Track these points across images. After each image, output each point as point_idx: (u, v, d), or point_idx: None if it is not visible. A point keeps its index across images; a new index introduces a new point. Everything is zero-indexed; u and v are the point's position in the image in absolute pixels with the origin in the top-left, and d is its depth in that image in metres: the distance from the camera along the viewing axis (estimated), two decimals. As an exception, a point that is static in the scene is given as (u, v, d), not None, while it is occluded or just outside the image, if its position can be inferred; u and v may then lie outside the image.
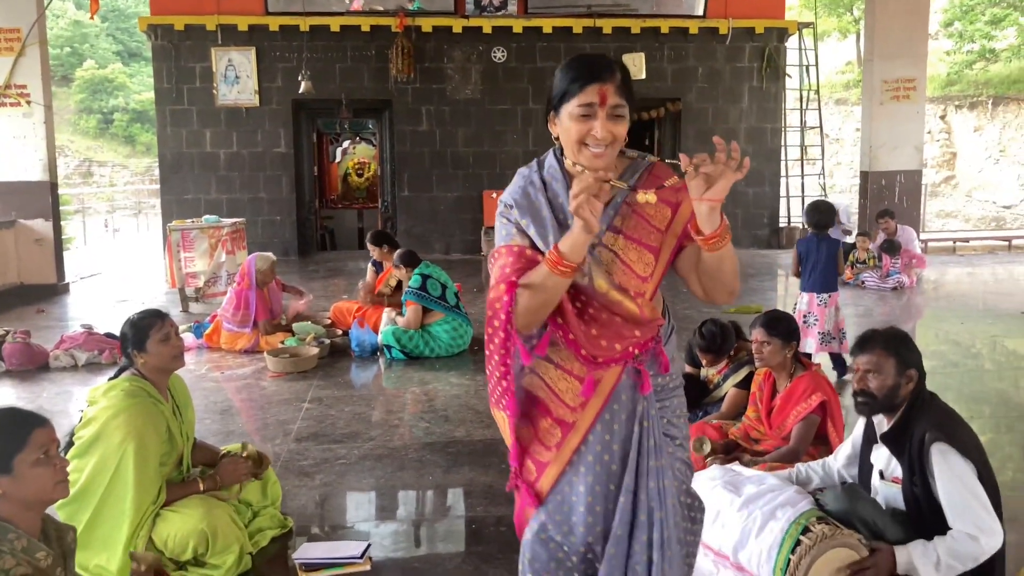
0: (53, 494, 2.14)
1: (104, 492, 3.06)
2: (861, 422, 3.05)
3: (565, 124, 2.00)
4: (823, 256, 5.73)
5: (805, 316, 5.76)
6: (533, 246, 2.02)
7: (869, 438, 2.98)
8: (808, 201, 14.55)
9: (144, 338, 3.19)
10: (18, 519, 2.09)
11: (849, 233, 11.29)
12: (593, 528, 2.07)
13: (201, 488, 3.24)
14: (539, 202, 2.07)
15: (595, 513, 2.06)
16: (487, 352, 2.01)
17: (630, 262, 2.02)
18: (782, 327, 3.86)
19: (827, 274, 5.75)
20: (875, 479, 2.92)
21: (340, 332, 7.10)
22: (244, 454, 3.43)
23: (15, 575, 1.99)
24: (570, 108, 1.97)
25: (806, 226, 5.90)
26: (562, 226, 2.01)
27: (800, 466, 3.27)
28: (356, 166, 15.90)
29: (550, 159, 2.13)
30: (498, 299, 1.95)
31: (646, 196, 1.91)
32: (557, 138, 2.07)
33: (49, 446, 2.14)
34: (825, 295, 5.75)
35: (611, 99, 1.95)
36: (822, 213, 5.90)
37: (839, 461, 3.16)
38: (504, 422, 2.11)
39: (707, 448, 3.91)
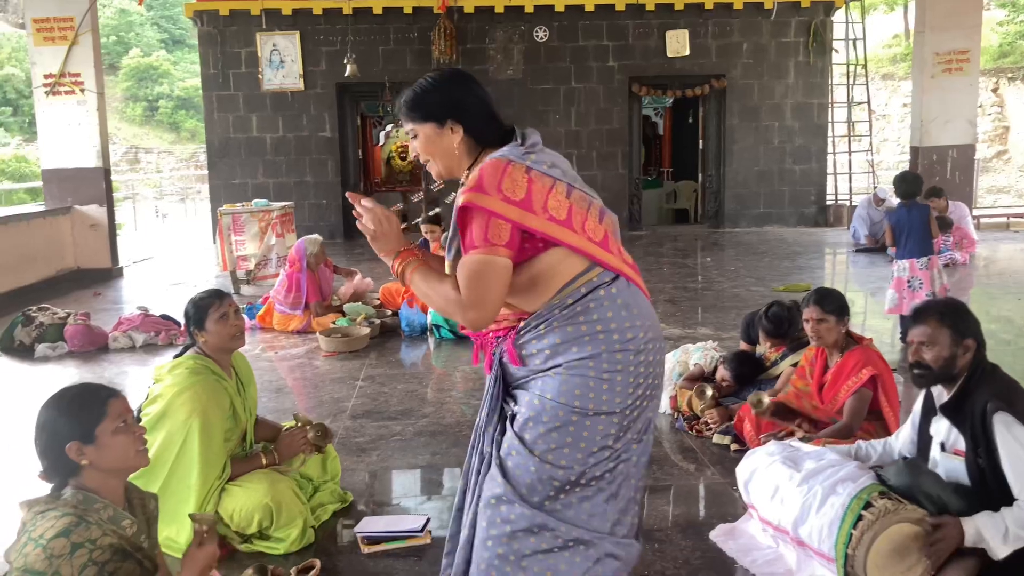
0: (136, 461, 2.22)
1: (171, 467, 3.15)
2: (920, 397, 3.02)
3: None
4: (916, 222, 5.94)
5: (909, 281, 5.96)
6: None
7: (928, 410, 2.95)
8: (855, 178, 14.36)
9: (203, 317, 3.28)
10: (103, 489, 2.16)
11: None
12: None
13: (264, 463, 3.32)
14: None
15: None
16: None
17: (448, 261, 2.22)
18: (835, 303, 3.85)
19: (923, 239, 5.95)
20: (935, 452, 2.90)
21: (389, 312, 7.19)
22: (299, 424, 3.49)
23: (102, 544, 2.05)
24: None
25: (895, 196, 6.21)
26: None
27: (860, 443, 3.25)
28: (399, 149, 15.96)
29: None
30: None
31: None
32: None
33: (126, 415, 2.22)
34: (924, 259, 5.93)
35: (406, 125, 2.26)
36: (909, 183, 6.11)
37: (900, 441, 3.14)
38: None
39: (765, 402, 3.88)
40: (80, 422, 2.14)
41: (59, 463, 2.13)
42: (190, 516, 2.34)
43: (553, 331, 2.13)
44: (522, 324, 2.17)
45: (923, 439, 2.97)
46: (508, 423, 2.20)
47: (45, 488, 2.18)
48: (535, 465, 2.10)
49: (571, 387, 2.10)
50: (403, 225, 2.27)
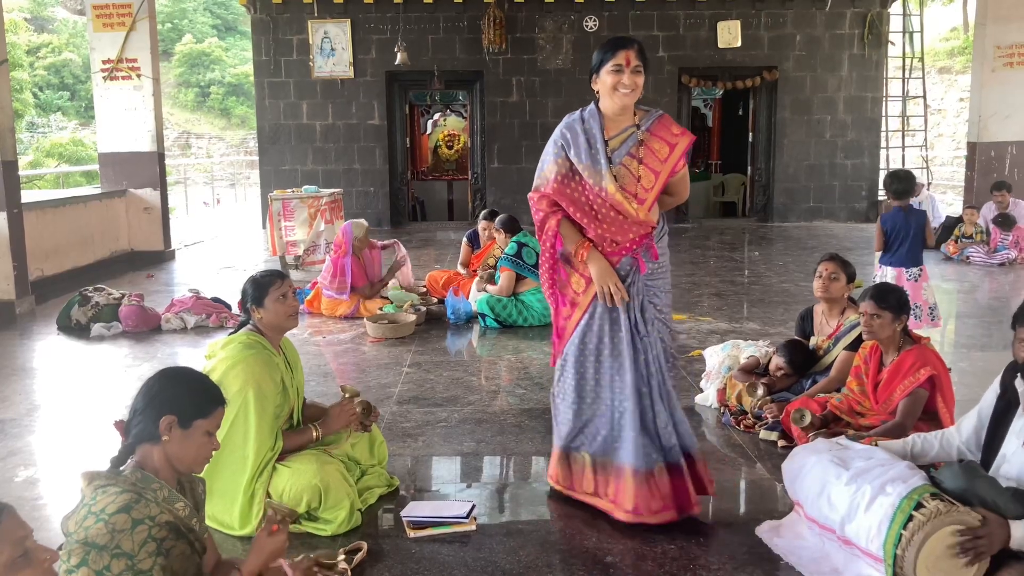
0: (195, 467, 2.30)
1: (225, 439, 3.17)
2: (991, 391, 2.96)
3: (603, 78, 3.14)
4: (912, 228, 5.54)
5: None
6: (568, 160, 3.23)
7: (1009, 402, 2.89)
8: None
9: (263, 295, 3.33)
10: (160, 471, 2.21)
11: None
12: (601, 352, 3.22)
13: (314, 436, 3.37)
14: (578, 132, 3.22)
15: (604, 343, 3.22)
16: (541, 250, 3.36)
17: (640, 177, 3.15)
18: (892, 300, 3.79)
19: (915, 247, 5.57)
20: (1009, 448, 2.83)
21: (435, 300, 7.24)
22: (347, 396, 3.52)
23: (160, 521, 2.10)
24: (607, 67, 3.13)
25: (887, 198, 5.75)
26: (591, 147, 3.18)
27: (915, 437, 3.20)
28: (446, 138, 16.04)
29: (591, 106, 3.27)
30: (549, 227, 3.25)
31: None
32: (597, 91, 3.21)
33: (217, 429, 2.31)
34: (916, 268, 5.56)
35: (633, 61, 3.10)
36: (902, 181, 5.65)
37: (962, 435, 3.08)
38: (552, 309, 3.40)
39: (807, 420, 3.87)
40: (190, 407, 2.23)
41: (148, 427, 2.20)
42: (267, 503, 2.36)
43: (665, 235, 3.32)
44: (655, 231, 3.22)
45: (992, 434, 2.91)
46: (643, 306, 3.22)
47: (105, 462, 2.24)
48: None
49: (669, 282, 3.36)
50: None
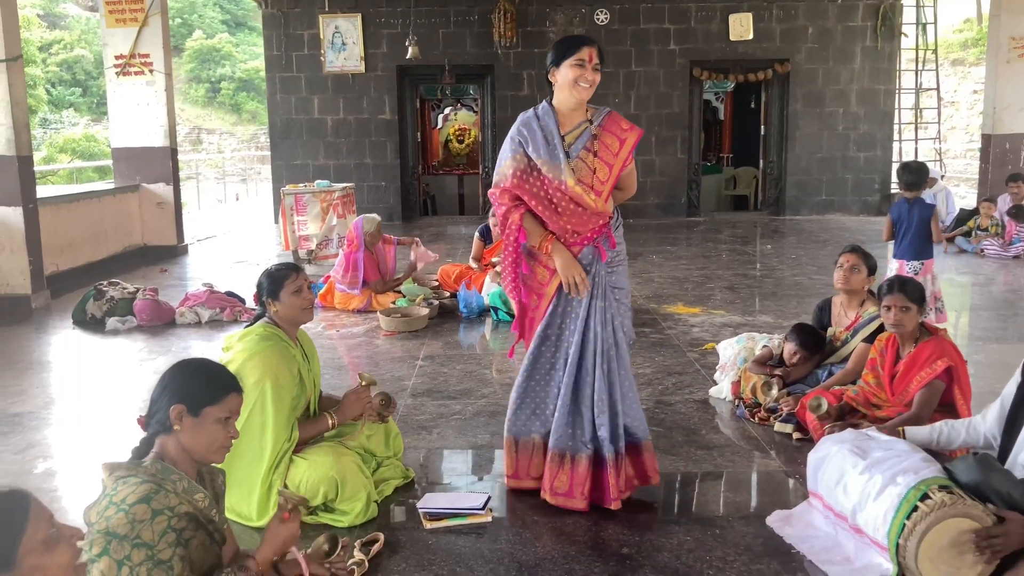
0: (212, 456, 2.30)
1: (242, 431, 3.17)
2: (1013, 380, 2.96)
3: (564, 72, 3.22)
4: (915, 221, 5.46)
5: None
6: (526, 156, 3.28)
7: None
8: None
9: (278, 288, 3.34)
10: (179, 462, 2.24)
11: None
12: (560, 337, 3.33)
13: (330, 424, 3.38)
14: (535, 129, 3.29)
15: (563, 330, 3.33)
16: (504, 244, 3.37)
17: (596, 169, 3.25)
18: (918, 292, 3.81)
19: (919, 241, 5.47)
20: None
21: (447, 294, 7.25)
22: (363, 383, 3.51)
23: (180, 512, 2.12)
24: (569, 61, 3.20)
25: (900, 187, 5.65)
26: (548, 143, 3.26)
27: (942, 424, 3.19)
28: (457, 132, 16.04)
29: (543, 104, 3.36)
30: (512, 221, 3.28)
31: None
32: (552, 84, 3.29)
33: (234, 415, 2.31)
34: (917, 263, 5.48)
35: (594, 58, 3.22)
36: (913, 172, 5.57)
37: (987, 423, 3.08)
38: (512, 301, 3.47)
39: (824, 407, 3.87)
40: (198, 395, 2.24)
41: (164, 418, 2.23)
42: (279, 492, 2.38)
43: (620, 225, 3.40)
44: (612, 221, 3.33)
45: (1012, 421, 2.91)
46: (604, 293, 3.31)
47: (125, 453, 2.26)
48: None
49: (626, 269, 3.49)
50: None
